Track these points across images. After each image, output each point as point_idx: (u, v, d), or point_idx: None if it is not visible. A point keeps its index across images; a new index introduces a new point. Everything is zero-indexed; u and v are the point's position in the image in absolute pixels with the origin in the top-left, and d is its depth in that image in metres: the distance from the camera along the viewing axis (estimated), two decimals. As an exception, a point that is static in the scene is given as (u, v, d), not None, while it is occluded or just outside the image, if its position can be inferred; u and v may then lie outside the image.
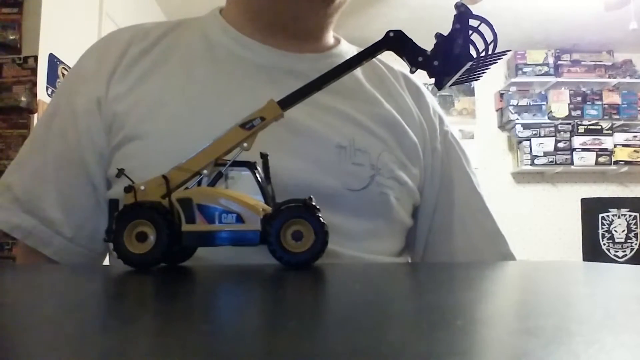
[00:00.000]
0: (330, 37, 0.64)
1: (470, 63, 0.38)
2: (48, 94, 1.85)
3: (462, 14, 0.38)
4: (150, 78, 0.56)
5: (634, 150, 3.82)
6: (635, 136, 3.85)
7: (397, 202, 0.56)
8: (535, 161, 3.82)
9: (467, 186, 0.64)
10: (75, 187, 0.55)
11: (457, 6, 0.38)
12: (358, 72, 0.60)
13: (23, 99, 1.74)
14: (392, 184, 0.56)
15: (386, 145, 0.57)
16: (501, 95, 3.97)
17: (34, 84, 1.77)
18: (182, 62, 0.57)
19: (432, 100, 0.66)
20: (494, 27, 0.38)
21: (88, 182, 0.55)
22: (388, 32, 0.39)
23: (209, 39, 0.59)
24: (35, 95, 1.77)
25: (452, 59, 0.38)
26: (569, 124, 3.85)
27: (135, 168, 0.51)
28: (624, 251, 2.51)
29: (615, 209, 2.53)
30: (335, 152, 0.54)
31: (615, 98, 3.88)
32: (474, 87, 4.00)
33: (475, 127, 4.01)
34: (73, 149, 0.55)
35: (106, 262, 0.59)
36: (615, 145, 3.82)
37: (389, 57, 0.51)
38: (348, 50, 0.65)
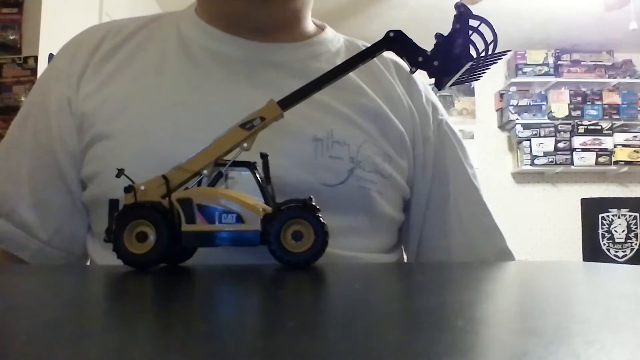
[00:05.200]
0: (308, 25, 0.61)
1: (470, 63, 0.38)
2: (48, 94, 1.85)
3: (462, 14, 0.38)
4: (120, 75, 0.54)
5: (634, 150, 3.82)
6: (635, 136, 3.85)
7: (380, 196, 0.53)
8: (535, 161, 3.81)
9: (462, 178, 0.60)
10: (50, 190, 0.54)
11: (457, 6, 0.38)
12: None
13: (23, 99, 1.74)
14: (374, 178, 0.53)
15: (368, 136, 0.53)
16: (501, 95, 3.97)
17: (34, 84, 1.77)
18: (154, 58, 0.55)
19: (426, 89, 0.63)
20: (494, 27, 0.38)
21: (63, 184, 0.54)
22: (388, 32, 0.39)
23: (182, 33, 0.57)
24: (35, 95, 1.77)
25: (452, 59, 0.38)
26: (569, 124, 3.85)
27: (105, 168, 0.49)
28: (624, 251, 2.51)
29: (615, 209, 2.53)
30: (312, 145, 0.51)
31: (615, 98, 3.87)
32: (474, 87, 4.00)
33: (475, 127, 4.00)
34: (46, 151, 0.54)
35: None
36: (615, 146, 3.82)
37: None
38: (333, 38, 0.61)
